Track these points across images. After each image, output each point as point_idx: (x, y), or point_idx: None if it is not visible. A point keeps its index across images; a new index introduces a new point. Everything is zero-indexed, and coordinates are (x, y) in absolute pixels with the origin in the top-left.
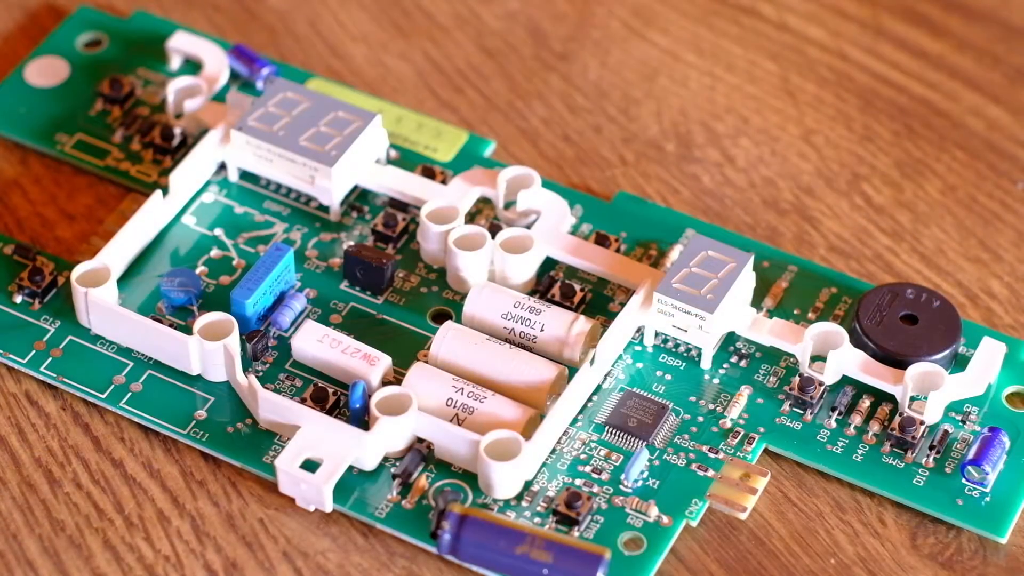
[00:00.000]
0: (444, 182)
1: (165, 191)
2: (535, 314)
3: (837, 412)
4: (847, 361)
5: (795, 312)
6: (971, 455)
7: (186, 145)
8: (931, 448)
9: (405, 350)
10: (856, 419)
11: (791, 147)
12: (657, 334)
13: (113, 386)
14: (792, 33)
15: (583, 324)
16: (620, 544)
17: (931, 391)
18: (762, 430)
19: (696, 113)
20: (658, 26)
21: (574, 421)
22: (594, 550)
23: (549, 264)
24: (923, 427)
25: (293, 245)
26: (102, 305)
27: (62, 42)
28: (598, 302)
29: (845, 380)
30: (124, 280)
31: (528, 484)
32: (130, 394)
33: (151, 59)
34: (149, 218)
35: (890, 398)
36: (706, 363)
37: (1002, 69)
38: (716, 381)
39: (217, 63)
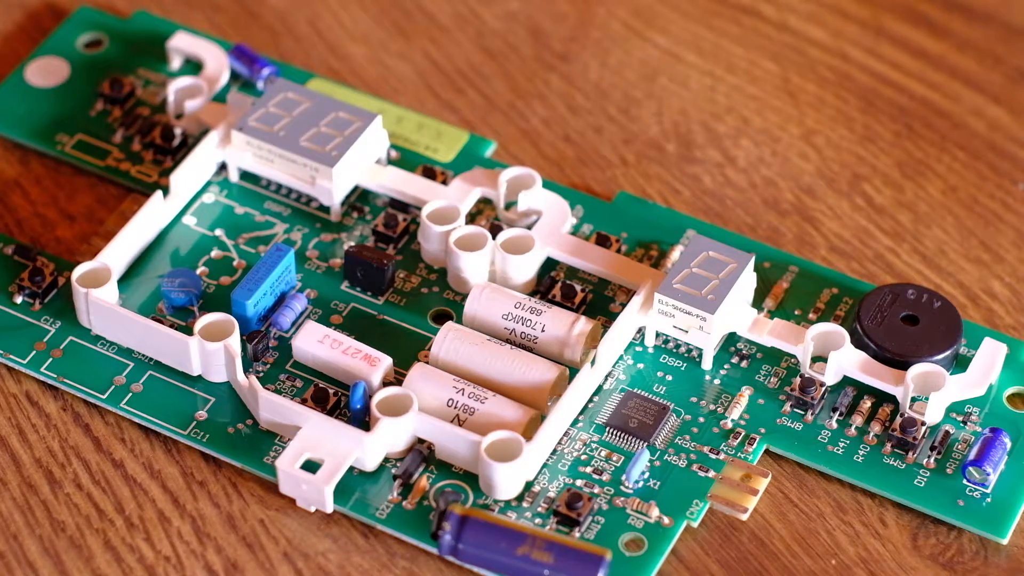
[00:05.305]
0: (445, 183)
1: (166, 191)
2: (536, 315)
3: (838, 413)
4: (848, 362)
5: (796, 313)
6: (972, 456)
7: (186, 145)
8: (932, 449)
9: (406, 351)
10: (857, 420)
11: (792, 147)
12: (658, 335)
13: (114, 387)
14: (793, 33)
15: (584, 325)
16: (621, 545)
17: (932, 392)
18: (763, 431)
19: (697, 113)
20: (658, 26)
21: (575, 422)
22: (595, 551)
23: (550, 265)
24: (924, 428)
25: (294, 246)
26: (103, 306)
27: (62, 42)
28: (599, 303)
29: (846, 381)
30: (125, 281)
31: (529, 485)
32: (131, 395)
33: (151, 59)
34: (150, 218)
35: (891, 399)
36: (707, 364)
37: (1003, 69)
38: (717, 382)
39: (218, 63)
